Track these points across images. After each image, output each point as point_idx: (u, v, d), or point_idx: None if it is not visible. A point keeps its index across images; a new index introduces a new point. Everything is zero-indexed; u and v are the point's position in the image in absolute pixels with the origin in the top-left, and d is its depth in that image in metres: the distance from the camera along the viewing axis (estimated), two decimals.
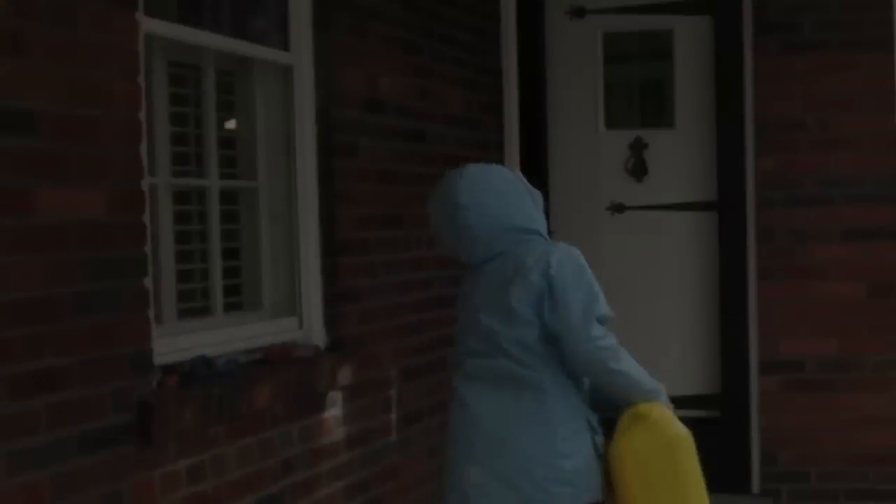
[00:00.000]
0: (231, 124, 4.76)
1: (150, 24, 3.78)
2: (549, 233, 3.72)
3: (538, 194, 3.67)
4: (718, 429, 6.61)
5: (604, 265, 6.41)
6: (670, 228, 6.80)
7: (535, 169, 6.82)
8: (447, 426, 3.66)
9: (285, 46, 4.70)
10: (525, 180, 3.67)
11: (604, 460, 3.59)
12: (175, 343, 3.93)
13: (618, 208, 6.86)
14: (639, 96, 7.18)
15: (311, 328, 4.75)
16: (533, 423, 3.44)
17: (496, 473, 3.45)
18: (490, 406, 3.48)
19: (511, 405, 3.46)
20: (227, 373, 4.03)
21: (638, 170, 6.87)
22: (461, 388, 3.58)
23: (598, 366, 3.47)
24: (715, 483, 5.94)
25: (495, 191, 3.56)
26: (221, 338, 4.24)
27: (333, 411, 4.71)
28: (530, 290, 3.45)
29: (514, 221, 3.54)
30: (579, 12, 6.84)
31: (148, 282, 3.59)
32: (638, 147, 6.86)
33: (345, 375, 4.73)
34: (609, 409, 3.61)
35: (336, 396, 4.72)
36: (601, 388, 3.57)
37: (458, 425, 3.56)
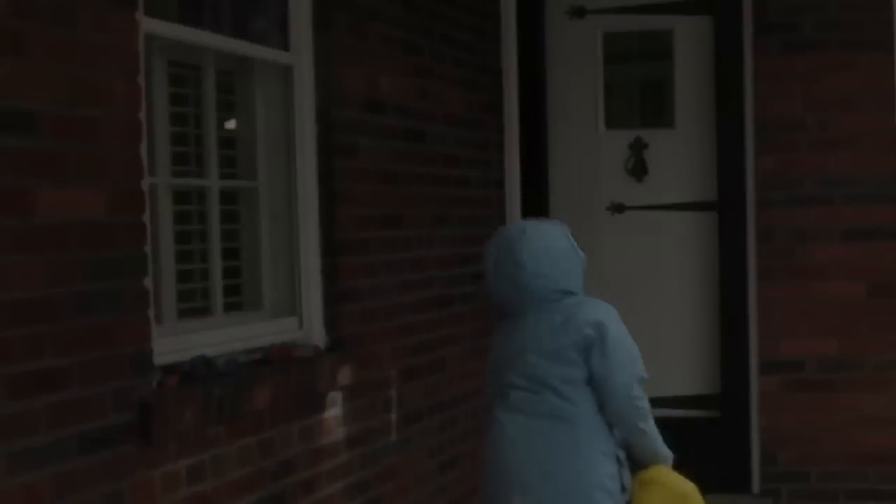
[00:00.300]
0: (231, 124, 4.76)
1: (150, 24, 3.78)
2: None
3: (582, 254, 4.01)
4: (718, 429, 6.61)
5: (604, 265, 6.43)
6: (670, 228, 6.80)
7: (535, 169, 6.82)
8: (484, 450, 3.98)
9: (285, 46, 4.70)
10: (572, 239, 3.99)
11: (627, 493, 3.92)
12: (175, 343, 3.93)
13: (618, 208, 6.86)
14: (639, 96, 7.19)
15: (311, 328, 4.75)
16: (570, 456, 3.76)
17: (539, 500, 3.76)
18: (532, 438, 3.79)
19: (551, 438, 3.78)
20: (227, 373, 4.03)
21: (638, 170, 6.87)
22: (503, 419, 3.88)
23: (629, 422, 3.83)
24: (715, 483, 5.96)
25: (552, 256, 3.90)
26: (221, 338, 4.24)
27: (333, 411, 4.71)
28: (581, 338, 3.79)
29: (560, 284, 3.88)
30: (579, 12, 6.84)
31: (148, 282, 3.59)
32: (638, 147, 6.86)
33: (345, 375, 4.73)
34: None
35: (336, 396, 4.72)
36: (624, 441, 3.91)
37: (501, 455, 3.87)
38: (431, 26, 5.72)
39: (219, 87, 4.44)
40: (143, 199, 3.60)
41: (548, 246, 3.91)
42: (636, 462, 3.91)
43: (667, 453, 3.97)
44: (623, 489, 3.86)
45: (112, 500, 3.40)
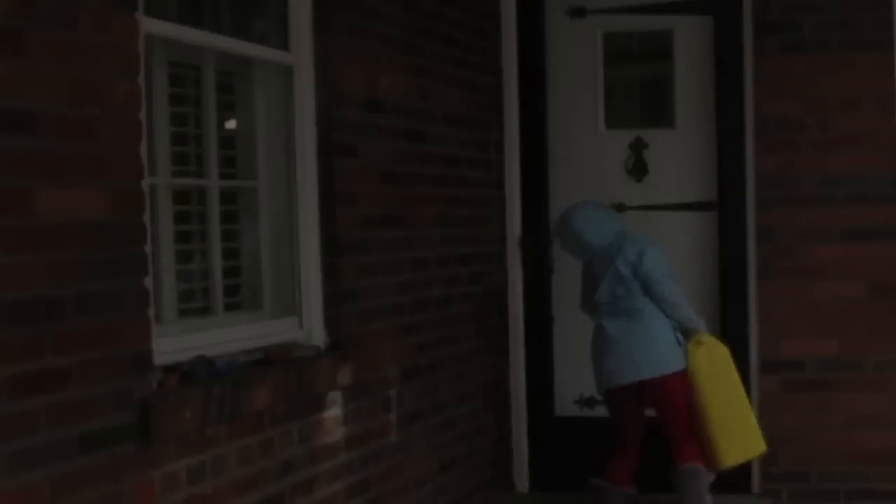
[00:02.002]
0: (231, 124, 4.76)
1: (150, 24, 3.78)
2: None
3: (614, 214, 6.18)
4: None
5: None
6: (670, 228, 6.80)
7: (535, 169, 6.82)
8: (593, 343, 5.99)
9: (285, 46, 4.70)
10: (602, 203, 6.19)
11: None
12: (175, 343, 3.94)
13: (618, 208, 6.84)
14: (639, 96, 7.18)
15: (311, 328, 4.75)
16: (643, 334, 5.81)
17: (625, 361, 5.80)
18: (618, 327, 5.83)
19: (629, 326, 5.81)
20: (227, 373, 4.03)
21: (638, 170, 6.86)
22: (602, 323, 5.89)
23: (667, 300, 5.81)
24: (715, 483, 5.95)
25: (598, 224, 5.92)
26: (221, 338, 4.24)
27: (333, 411, 4.71)
28: (630, 262, 5.79)
29: (610, 237, 5.87)
30: (579, 12, 6.84)
31: (148, 282, 3.59)
32: (638, 147, 6.86)
33: (345, 375, 4.73)
34: None
35: (336, 396, 4.72)
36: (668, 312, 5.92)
37: (604, 343, 5.88)
38: (432, 26, 5.72)
39: (219, 87, 4.44)
40: (143, 199, 3.60)
41: (593, 220, 5.90)
42: (683, 333, 5.87)
43: (697, 323, 5.88)
44: (679, 344, 5.84)
45: (112, 500, 3.40)
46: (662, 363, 5.79)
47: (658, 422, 5.93)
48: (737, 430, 5.84)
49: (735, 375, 5.89)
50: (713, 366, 5.82)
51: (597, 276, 5.93)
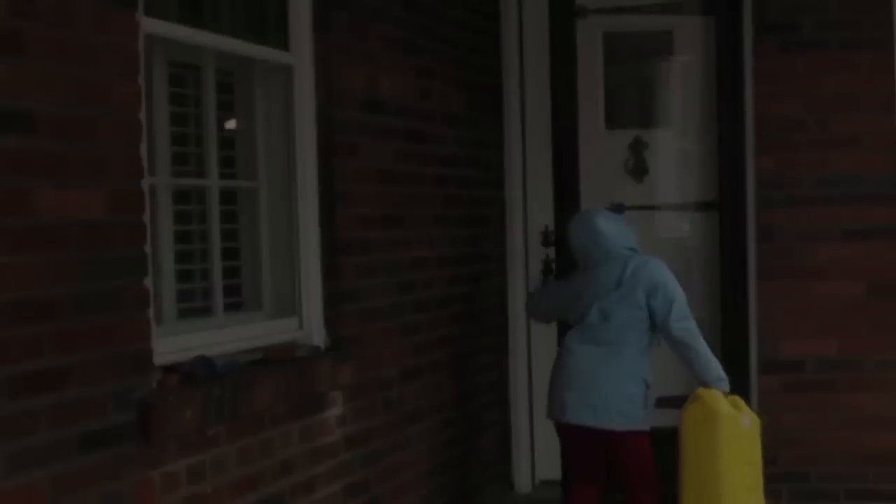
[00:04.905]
0: (231, 124, 4.77)
1: (150, 24, 3.78)
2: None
3: (633, 228, 5.57)
4: None
5: None
6: (670, 228, 6.80)
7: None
8: (556, 362, 5.41)
9: (285, 46, 4.70)
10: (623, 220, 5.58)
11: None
12: (175, 343, 3.94)
13: (618, 208, 6.84)
14: (639, 96, 7.18)
15: (311, 328, 4.75)
16: (612, 374, 5.19)
17: (584, 400, 5.20)
18: (588, 358, 5.24)
19: (601, 359, 5.21)
20: (227, 373, 4.03)
21: (638, 170, 6.86)
22: (572, 343, 5.31)
23: (683, 343, 5.19)
24: None
25: (616, 224, 5.44)
26: (221, 338, 4.24)
27: (333, 411, 4.71)
28: (647, 287, 5.21)
29: (626, 243, 5.37)
30: (580, 12, 6.84)
31: (148, 282, 3.59)
32: (638, 147, 6.86)
33: (345, 375, 4.73)
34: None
35: (336, 396, 4.72)
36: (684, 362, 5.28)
37: (567, 366, 5.30)
38: (432, 26, 5.72)
39: (219, 87, 4.44)
40: (143, 199, 3.60)
41: (614, 222, 5.44)
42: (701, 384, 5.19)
43: (716, 377, 5.19)
44: (646, 405, 5.25)
45: (112, 500, 3.40)
46: (621, 418, 5.21)
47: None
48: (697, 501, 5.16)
49: (727, 447, 5.10)
50: (700, 426, 5.13)
51: (588, 290, 5.34)
